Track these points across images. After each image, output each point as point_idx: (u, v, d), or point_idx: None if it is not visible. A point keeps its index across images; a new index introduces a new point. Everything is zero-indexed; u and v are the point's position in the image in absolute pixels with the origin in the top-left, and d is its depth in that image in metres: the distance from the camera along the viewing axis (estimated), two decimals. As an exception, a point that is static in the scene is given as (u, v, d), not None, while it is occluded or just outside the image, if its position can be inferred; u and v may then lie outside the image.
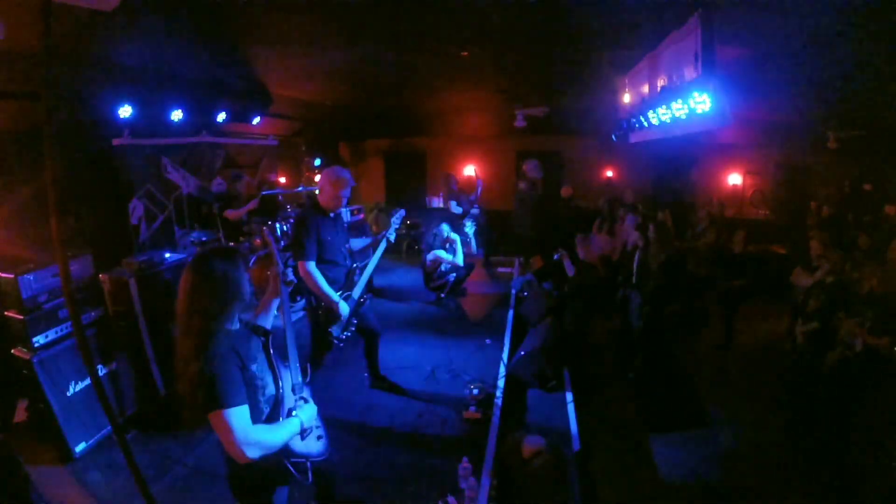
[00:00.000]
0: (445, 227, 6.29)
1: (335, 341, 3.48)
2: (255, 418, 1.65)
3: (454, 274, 6.12)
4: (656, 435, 3.91)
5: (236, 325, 1.74)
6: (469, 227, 7.88)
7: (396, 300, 6.41)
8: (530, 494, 2.83)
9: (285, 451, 1.76)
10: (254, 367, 1.71)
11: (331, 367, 4.02)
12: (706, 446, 3.81)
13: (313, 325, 3.53)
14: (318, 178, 8.61)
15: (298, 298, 5.16)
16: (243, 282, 1.71)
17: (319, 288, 3.29)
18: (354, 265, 3.62)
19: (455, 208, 7.78)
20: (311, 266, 3.27)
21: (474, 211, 8.01)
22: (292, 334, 2.00)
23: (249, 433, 1.57)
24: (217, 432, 1.56)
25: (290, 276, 2.16)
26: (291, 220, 5.90)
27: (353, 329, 3.58)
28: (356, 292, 3.56)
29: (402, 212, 3.95)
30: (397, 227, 3.79)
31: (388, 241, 3.69)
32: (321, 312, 3.44)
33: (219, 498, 2.72)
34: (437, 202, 9.82)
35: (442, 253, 6.16)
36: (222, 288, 1.65)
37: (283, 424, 1.75)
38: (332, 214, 3.48)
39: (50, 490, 2.85)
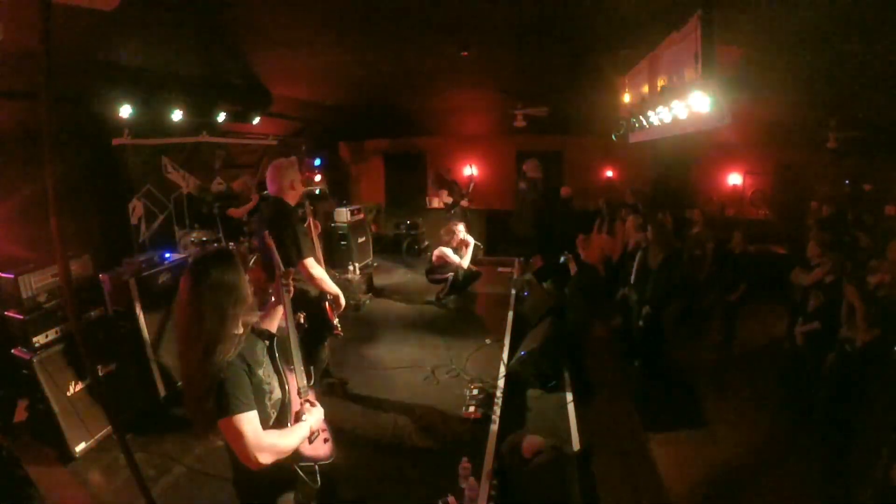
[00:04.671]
0: (461, 228, 6.16)
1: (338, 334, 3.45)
2: (263, 423, 1.63)
3: (452, 275, 6.05)
4: (656, 435, 3.92)
5: (240, 330, 1.70)
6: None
7: (396, 300, 6.41)
8: (530, 494, 2.83)
9: (294, 455, 1.75)
10: (260, 372, 1.69)
11: (330, 367, 4.02)
12: (706, 446, 3.81)
13: (309, 328, 3.50)
14: (317, 177, 8.66)
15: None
16: (244, 284, 1.67)
17: (326, 282, 3.24)
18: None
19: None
20: (311, 261, 3.19)
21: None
22: (296, 337, 1.99)
23: (262, 439, 1.55)
24: (227, 439, 1.55)
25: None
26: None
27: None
28: None
29: None
30: None
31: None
32: (323, 310, 3.41)
33: (219, 498, 2.72)
34: (437, 202, 9.81)
35: (448, 251, 6.05)
36: (223, 293, 1.60)
37: (293, 429, 1.75)
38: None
39: (50, 490, 2.85)
